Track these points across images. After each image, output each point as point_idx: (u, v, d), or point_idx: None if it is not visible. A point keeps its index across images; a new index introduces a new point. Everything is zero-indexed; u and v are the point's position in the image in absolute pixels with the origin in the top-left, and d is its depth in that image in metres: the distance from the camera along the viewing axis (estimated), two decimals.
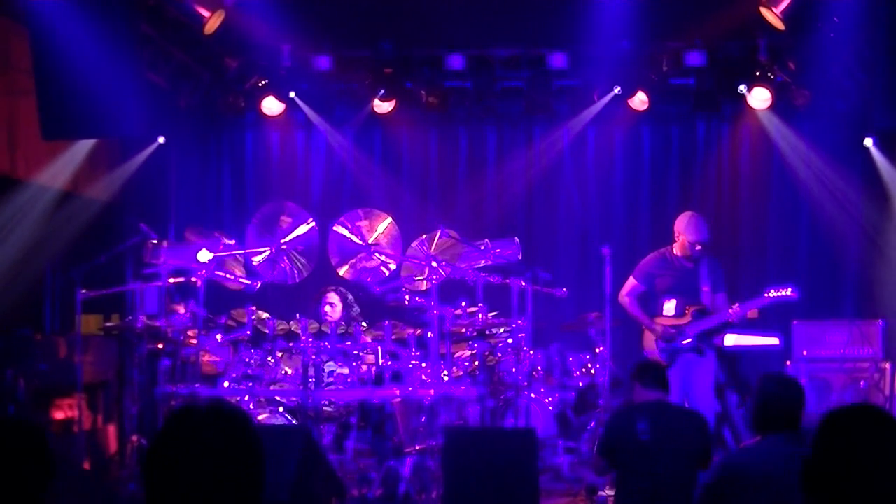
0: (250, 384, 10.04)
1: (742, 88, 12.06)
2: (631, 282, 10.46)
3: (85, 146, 11.74)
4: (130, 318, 10.35)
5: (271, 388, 10.15)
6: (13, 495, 3.19)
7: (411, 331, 10.56)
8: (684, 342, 10.06)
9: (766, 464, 5.62)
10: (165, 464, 2.82)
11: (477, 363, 10.44)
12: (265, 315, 10.60)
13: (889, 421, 3.18)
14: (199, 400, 8.68)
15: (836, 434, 3.17)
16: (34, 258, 11.19)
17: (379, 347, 10.33)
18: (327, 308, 11.15)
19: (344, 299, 11.26)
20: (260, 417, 9.94)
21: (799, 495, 5.49)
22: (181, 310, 10.37)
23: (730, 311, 10.09)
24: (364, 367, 10.34)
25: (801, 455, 5.57)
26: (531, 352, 10.50)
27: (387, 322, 10.48)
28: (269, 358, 10.19)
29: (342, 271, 11.09)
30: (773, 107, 12.23)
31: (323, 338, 10.33)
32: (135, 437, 9.90)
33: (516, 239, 11.20)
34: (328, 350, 10.17)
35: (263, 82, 12.36)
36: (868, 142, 12.41)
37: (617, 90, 12.30)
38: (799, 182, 12.68)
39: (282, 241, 10.90)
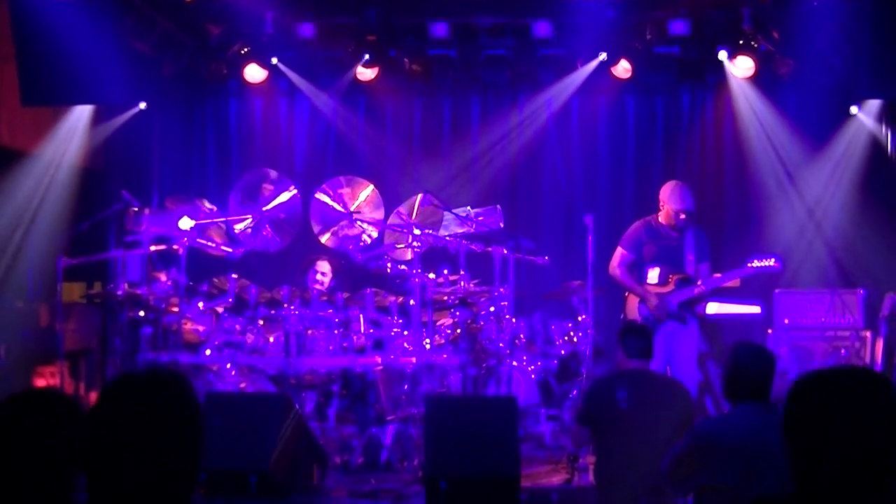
0: (232, 352, 10.06)
1: (723, 55, 12.05)
2: (620, 252, 10.39)
3: (73, 115, 11.70)
4: (112, 285, 10.33)
5: (253, 355, 10.15)
6: (46, 470, 3.19)
7: (393, 298, 10.58)
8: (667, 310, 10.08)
9: (736, 433, 5.62)
10: (102, 431, 2.83)
11: (459, 331, 10.47)
12: (247, 283, 10.59)
13: (866, 379, 3.20)
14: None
15: (814, 391, 3.20)
16: (16, 224, 11.15)
17: (361, 315, 10.35)
18: (319, 276, 11.12)
19: (334, 267, 11.25)
20: (242, 385, 9.96)
21: (768, 464, 5.54)
22: (163, 277, 10.36)
23: (708, 280, 10.09)
24: (346, 344, 10.33)
25: (770, 424, 5.62)
26: (513, 320, 10.51)
27: (369, 290, 10.51)
28: (251, 326, 10.19)
29: (324, 239, 11.10)
30: (757, 75, 12.22)
31: (305, 306, 10.34)
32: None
33: (498, 207, 11.21)
34: (310, 318, 10.17)
35: (246, 49, 12.30)
36: (853, 109, 12.41)
37: (603, 56, 12.26)
38: (782, 152, 12.69)
39: (263, 208, 10.89)
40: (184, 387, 2.93)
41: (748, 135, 12.80)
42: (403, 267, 10.47)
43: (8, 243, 11.07)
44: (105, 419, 2.84)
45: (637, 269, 10.36)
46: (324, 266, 11.18)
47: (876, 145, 12.52)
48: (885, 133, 12.54)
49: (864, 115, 12.45)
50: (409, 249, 10.50)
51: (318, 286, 11.03)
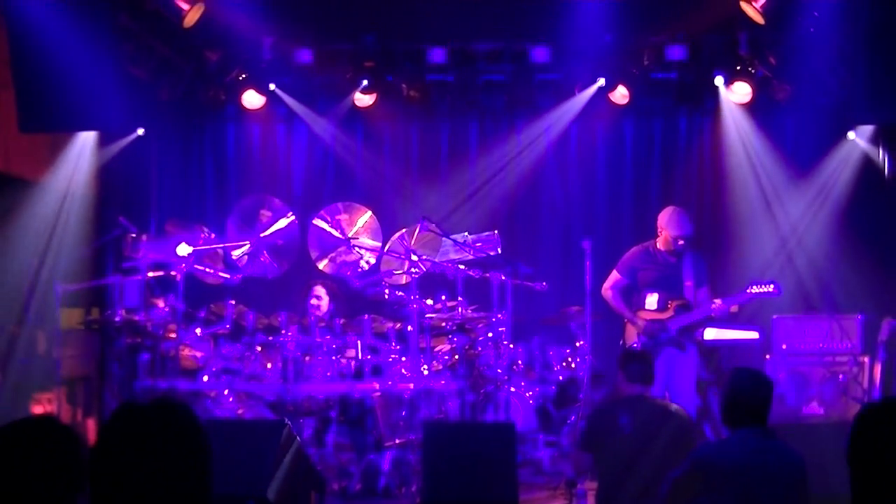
0: (230, 378, 10.04)
1: (719, 80, 12.04)
2: (614, 275, 10.47)
3: (77, 142, 11.72)
4: (110, 312, 10.32)
5: (251, 382, 10.13)
6: (44, 499, 3.15)
7: (391, 324, 10.57)
8: (666, 336, 10.08)
9: (735, 458, 5.64)
10: (109, 460, 2.81)
11: (457, 357, 10.46)
12: (245, 309, 10.58)
13: None
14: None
15: (881, 419, 3.19)
16: (14, 251, 11.13)
17: (359, 341, 10.33)
18: (314, 301, 11.11)
19: (330, 292, 11.24)
20: (239, 411, 9.93)
21: (766, 488, 5.54)
22: (161, 304, 10.35)
23: (712, 305, 10.10)
24: (344, 361, 10.32)
25: (768, 449, 5.63)
26: (511, 345, 10.52)
27: (366, 316, 10.50)
28: (249, 352, 10.18)
29: (322, 265, 11.09)
30: (754, 101, 12.22)
31: (303, 332, 10.32)
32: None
33: (496, 233, 11.20)
34: (308, 344, 10.15)
35: (244, 76, 12.31)
36: (851, 135, 12.43)
37: (601, 82, 12.25)
38: (775, 178, 12.70)
39: (261, 234, 10.89)
40: (190, 416, 2.91)
41: (741, 160, 12.80)
42: (401, 293, 10.46)
43: (5, 269, 11.04)
44: (111, 450, 2.82)
45: (635, 295, 10.39)
46: (319, 290, 11.17)
47: (870, 168, 12.53)
48: (881, 156, 12.55)
49: (860, 138, 12.47)
50: (407, 275, 10.49)
51: (316, 312, 11.02)
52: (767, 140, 12.70)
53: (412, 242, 10.80)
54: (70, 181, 11.77)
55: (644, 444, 7.13)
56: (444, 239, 10.92)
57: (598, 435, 7.44)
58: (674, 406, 7.85)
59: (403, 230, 10.98)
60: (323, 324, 10.69)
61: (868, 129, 12.41)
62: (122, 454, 2.81)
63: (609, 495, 7.41)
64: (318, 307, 11.07)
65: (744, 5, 10.53)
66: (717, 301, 10.12)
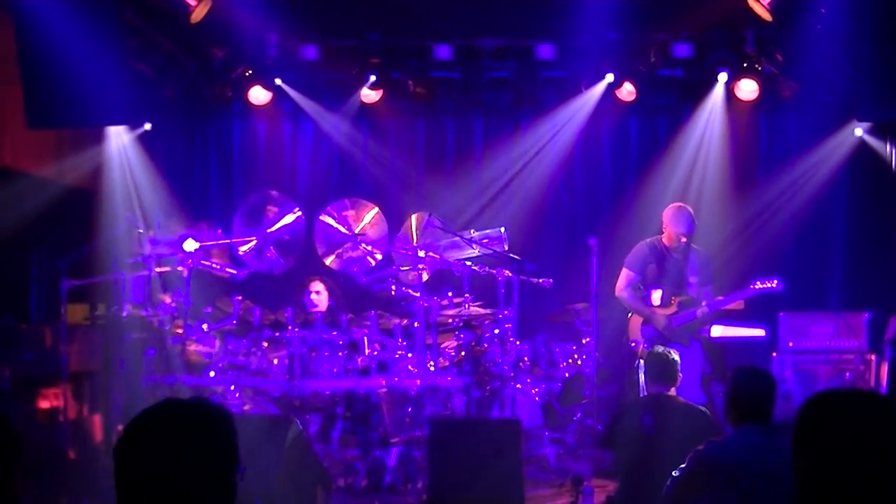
0: (236, 374, 10.04)
1: (722, 77, 12.01)
2: (626, 273, 10.48)
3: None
4: (116, 307, 10.33)
5: (257, 377, 10.13)
6: None
7: (397, 321, 10.56)
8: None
9: (738, 455, 5.66)
10: (136, 457, 2.81)
11: (463, 354, 10.45)
12: (251, 305, 10.58)
13: (874, 401, 3.20)
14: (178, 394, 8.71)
15: (823, 411, 3.19)
16: (20, 246, 11.14)
17: (365, 337, 10.33)
18: (314, 296, 11.13)
19: (329, 288, 11.23)
20: (246, 407, 9.94)
21: (769, 485, 5.55)
22: (167, 299, 10.35)
23: (697, 311, 10.14)
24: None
25: (771, 446, 5.64)
26: (517, 342, 10.52)
27: (373, 312, 10.49)
28: (255, 348, 10.18)
29: (328, 261, 11.09)
30: (760, 98, 12.21)
31: (309, 328, 10.32)
32: (121, 427, 9.85)
33: (502, 229, 11.20)
34: (314, 340, 10.15)
35: (250, 72, 12.30)
36: (858, 131, 12.41)
37: (610, 77, 12.21)
38: (785, 173, 12.70)
39: (268, 230, 10.89)
40: (222, 415, 2.90)
41: (759, 153, 12.83)
42: (407, 289, 10.46)
43: (12, 263, 11.05)
44: (140, 445, 2.82)
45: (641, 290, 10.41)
46: (317, 285, 11.18)
47: (878, 164, 12.51)
48: (889, 152, 12.53)
49: (867, 134, 12.45)
50: (413, 272, 10.50)
51: (316, 309, 11.02)
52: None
53: (416, 233, 10.81)
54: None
55: (667, 444, 7.15)
56: (450, 236, 10.91)
57: (621, 434, 7.49)
58: (696, 405, 7.86)
59: (412, 215, 10.99)
60: (328, 320, 10.68)
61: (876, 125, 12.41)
62: (151, 450, 2.80)
63: (631, 495, 7.44)
64: (318, 302, 11.08)
65: (751, 3, 10.50)
66: (704, 306, 10.16)
